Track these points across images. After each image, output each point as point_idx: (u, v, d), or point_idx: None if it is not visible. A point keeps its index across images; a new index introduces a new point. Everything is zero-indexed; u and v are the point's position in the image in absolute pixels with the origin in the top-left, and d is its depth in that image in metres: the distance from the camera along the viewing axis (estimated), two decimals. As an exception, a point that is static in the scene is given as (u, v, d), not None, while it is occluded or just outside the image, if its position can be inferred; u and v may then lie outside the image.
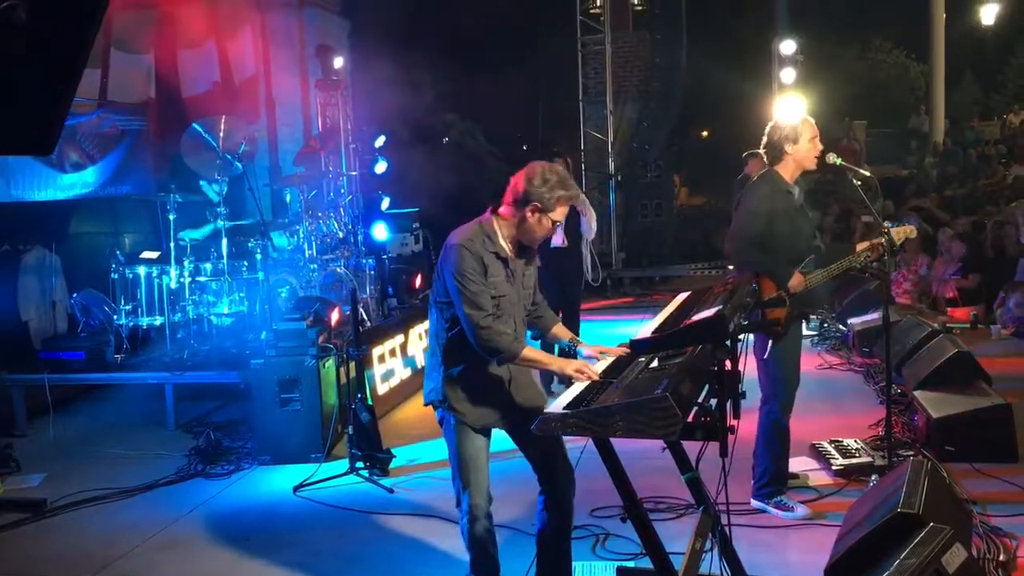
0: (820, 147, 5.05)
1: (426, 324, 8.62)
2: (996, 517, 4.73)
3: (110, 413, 7.90)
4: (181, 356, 7.68)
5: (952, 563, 3.10)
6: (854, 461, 5.60)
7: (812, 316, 8.01)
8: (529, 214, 3.69)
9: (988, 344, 8.90)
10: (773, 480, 5.10)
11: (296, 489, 5.90)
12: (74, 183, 9.23)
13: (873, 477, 5.26)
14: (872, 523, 3.56)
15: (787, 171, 5.04)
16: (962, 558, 3.15)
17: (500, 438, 3.91)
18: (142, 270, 8.05)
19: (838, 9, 22.37)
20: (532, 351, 3.70)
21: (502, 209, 3.77)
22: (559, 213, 3.72)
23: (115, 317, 8.04)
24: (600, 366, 3.71)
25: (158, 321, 8.04)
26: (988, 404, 5.81)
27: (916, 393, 6.28)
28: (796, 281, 4.97)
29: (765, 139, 5.11)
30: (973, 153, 19.16)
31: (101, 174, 9.48)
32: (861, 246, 5.18)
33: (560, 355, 4.20)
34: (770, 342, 4.97)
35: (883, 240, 5.06)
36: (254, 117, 10.72)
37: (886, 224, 5.10)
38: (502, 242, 3.76)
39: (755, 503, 5.13)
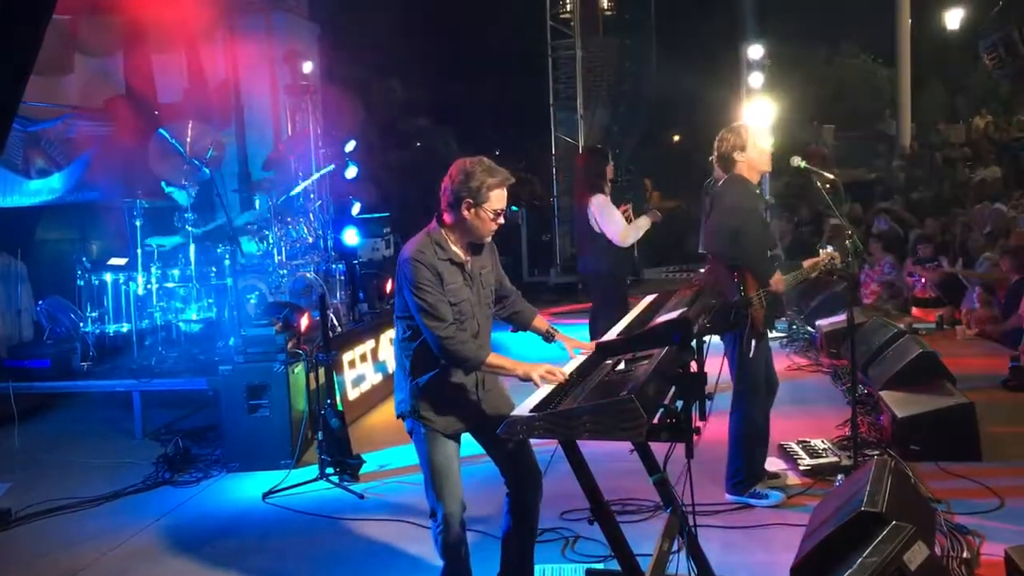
0: (769, 147, 5.17)
1: (397, 329, 8.63)
2: (960, 515, 4.79)
3: (76, 421, 7.82)
4: (149, 363, 7.62)
5: (914, 561, 3.14)
6: (821, 461, 5.65)
7: (778, 318, 8.13)
8: (465, 212, 3.65)
9: (953, 344, 9.01)
10: (747, 476, 5.19)
11: (265, 496, 5.86)
12: (40, 189, 9.13)
13: (839, 477, 5.32)
14: (837, 522, 3.59)
15: (746, 175, 5.15)
16: (924, 556, 3.18)
17: (468, 442, 3.91)
18: (109, 277, 7.99)
19: (805, 14, 22.55)
20: (497, 357, 3.66)
21: (443, 215, 3.74)
22: (495, 201, 3.64)
23: (81, 324, 7.98)
24: (568, 367, 3.71)
25: (125, 328, 7.98)
26: (952, 403, 5.88)
27: (882, 393, 6.35)
28: (777, 278, 5.06)
29: (715, 153, 5.24)
30: (939, 156, 19.38)
31: (67, 180, 9.37)
32: (808, 263, 5.41)
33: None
34: (754, 343, 5.03)
35: (825, 259, 5.34)
36: (222, 123, 10.66)
37: (833, 222, 5.34)
38: (453, 247, 3.72)
39: (730, 497, 5.21)
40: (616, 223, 6.97)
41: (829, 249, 5.45)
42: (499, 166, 3.70)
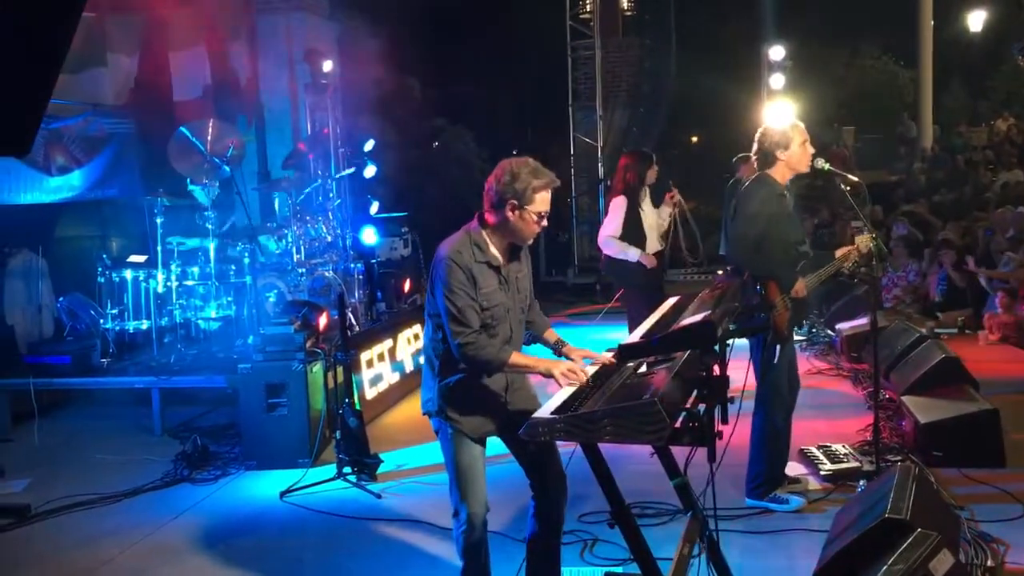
0: (812, 150, 5.10)
1: (415, 328, 8.65)
2: (984, 522, 4.73)
3: (96, 418, 7.84)
4: (168, 360, 7.64)
5: (939, 569, 3.10)
6: (842, 466, 5.59)
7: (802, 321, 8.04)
8: (509, 213, 3.61)
9: (976, 349, 8.93)
10: (767, 480, 5.15)
11: (283, 494, 5.86)
12: (60, 186, 9.19)
13: (861, 483, 5.26)
14: (860, 529, 3.55)
15: (779, 175, 5.09)
16: (949, 564, 3.15)
17: (492, 443, 3.88)
18: (129, 274, 8.02)
19: (826, 16, 22.45)
20: (519, 356, 3.64)
21: (486, 215, 3.71)
22: (540, 203, 3.61)
23: (101, 321, 8.01)
24: (590, 368, 3.68)
25: (145, 325, 8.01)
26: (975, 409, 5.81)
27: (904, 398, 6.29)
28: (799, 286, 5.01)
29: (756, 145, 5.14)
30: (961, 159, 19.25)
31: (88, 177, 9.43)
32: (839, 252, 5.27)
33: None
34: (778, 348, 4.98)
35: (858, 245, 5.14)
36: (243, 121, 10.69)
37: (854, 224, 5.17)
38: (493, 250, 3.68)
39: (750, 502, 5.17)
40: (611, 226, 6.92)
41: (865, 233, 5.26)
42: (545, 168, 3.67)
